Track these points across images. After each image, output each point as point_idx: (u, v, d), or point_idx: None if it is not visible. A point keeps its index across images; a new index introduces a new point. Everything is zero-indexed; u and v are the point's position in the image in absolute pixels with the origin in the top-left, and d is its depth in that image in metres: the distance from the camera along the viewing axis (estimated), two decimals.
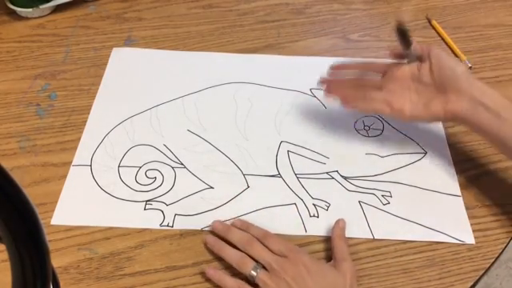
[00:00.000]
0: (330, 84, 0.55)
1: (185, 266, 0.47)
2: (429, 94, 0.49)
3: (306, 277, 0.41)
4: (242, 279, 0.44)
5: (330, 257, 0.47)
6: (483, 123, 0.46)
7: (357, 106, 0.53)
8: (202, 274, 0.46)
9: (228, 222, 0.49)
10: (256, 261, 0.44)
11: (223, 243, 0.46)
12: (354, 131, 0.59)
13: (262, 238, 0.46)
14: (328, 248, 0.48)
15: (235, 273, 0.45)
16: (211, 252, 0.48)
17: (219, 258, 0.47)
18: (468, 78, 0.47)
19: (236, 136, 0.58)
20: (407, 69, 0.51)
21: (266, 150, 0.56)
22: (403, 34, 0.48)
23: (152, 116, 0.59)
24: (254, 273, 0.43)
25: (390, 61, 0.53)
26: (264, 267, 0.43)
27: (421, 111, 0.49)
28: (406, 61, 0.51)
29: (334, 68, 0.56)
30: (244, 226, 0.48)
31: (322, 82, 0.56)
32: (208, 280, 0.46)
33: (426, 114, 0.49)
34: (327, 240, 0.49)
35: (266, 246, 0.45)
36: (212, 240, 0.47)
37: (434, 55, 0.49)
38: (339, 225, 0.48)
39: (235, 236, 0.46)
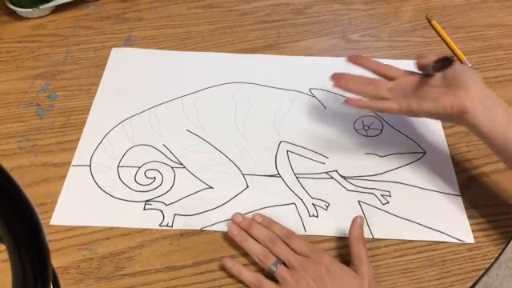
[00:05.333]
0: (343, 78, 0.53)
1: (185, 266, 0.47)
2: (438, 92, 0.48)
3: (326, 277, 0.42)
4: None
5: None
6: (493, 127, 0.44)
7: (364, 105, 0.52)
8: (202, 273, 0.46)
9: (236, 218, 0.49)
10: (277, 257, 0.45)
11: (247, 235, 0.47)
12: (353, 131, 0.59)
13: (285, 237, 0.46)
14: (328, 248, 0.48)
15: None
16: (211, 252, 0.48)
17: (219, 259, 0.47)
18: (480, 83, 0.47)
19: (235, 136, 0.58)
20: (420, 77, 0.50)
21: (266, 150, 0.56)
22: (445, 65, 0.47)
23: (151, 116, 0.59)
24: (274, 268, 0.44)
25: (402, 68, 0.52)
26: (284, 264, 0.44)
27: (428, 104, 0.47)
28: (422, 72, 0.50)
29: (351, 59, 0.54)
30: (266, 223, 0.48)
31: (334, 75, 0.54)
32: (208, 280, 0.46)
33: (434, 107, 0.47)
34: (327, 240, 0.49)
35: (289, 246, 0.45)
36: (236, 230, 0.47)
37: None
38: (357, 223, 0.46)
39: (260, 233, 0.47)
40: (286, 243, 0.46)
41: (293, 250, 0.45)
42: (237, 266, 0.45)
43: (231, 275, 0.46)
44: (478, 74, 0.47)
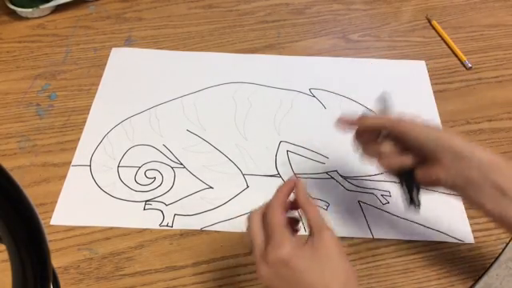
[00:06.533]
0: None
1: (185, 265, 0.47)
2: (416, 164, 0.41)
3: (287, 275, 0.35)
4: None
5: None
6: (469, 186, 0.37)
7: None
8: (202, 273, 0.46)
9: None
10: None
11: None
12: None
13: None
14: None
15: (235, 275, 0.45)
16: (211, 252, 0.48)
17: (219, 259, 0.47)
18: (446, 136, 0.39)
19: (235, 136, 0.58)
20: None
21: (266, 150, 0.56)
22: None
23: (151, 116, 0.59)
24: None
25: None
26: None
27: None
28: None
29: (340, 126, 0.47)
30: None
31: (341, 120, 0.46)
32: (208, 280, 0.46)
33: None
34: None
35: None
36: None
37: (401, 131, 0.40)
38: (298, 187, 0.39)
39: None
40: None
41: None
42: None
43: (231, 275, 0.46)
44: (435, 127, 0.40)
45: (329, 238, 0.35)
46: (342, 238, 0.49)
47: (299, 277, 0.34)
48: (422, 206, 0.41)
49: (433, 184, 0.40)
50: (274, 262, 0.35)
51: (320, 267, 0.34)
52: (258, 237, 0.37)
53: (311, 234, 0.36)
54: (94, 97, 0.61)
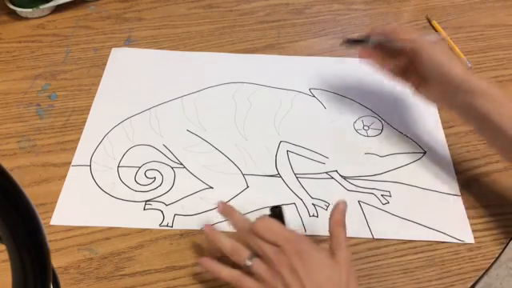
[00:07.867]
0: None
1: (185, 265, 0.47)
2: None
3: (300, 269, 0.38)
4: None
5: None
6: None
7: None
8: (202, 274, 0.46)
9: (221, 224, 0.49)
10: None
11: (219, 232, 0.44)
12: (353, 131, 0.59)
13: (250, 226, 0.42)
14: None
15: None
16: (210, 252, 0.48)
17: (219, 259, 0.47)
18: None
19: (235, 136, 0.58)
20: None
21: (266, 150, 0.56)
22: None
23: (151, 116, 0.59)
24: (249, 262, 0.40)
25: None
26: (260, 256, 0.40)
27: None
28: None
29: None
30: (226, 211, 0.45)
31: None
32: (208, 280, 0.46)
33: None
34: (327, 240, 0.49)
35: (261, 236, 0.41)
36: (208, 228, 0.45)
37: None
38: (339, 208, 0.42)
39: (238, 222, 0.44)
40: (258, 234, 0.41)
41: (266, 241, 0.40)
42: (215, 266, 0.42)
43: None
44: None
45: (344, 256, 0.39)
46: None
47: (309, 272, 0.38)
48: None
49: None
50: (291, 253, 0.39)
51: (328, 277, 0.39)
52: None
53: (330, 248, 0.41)
54: (93, 97, 0.61)
